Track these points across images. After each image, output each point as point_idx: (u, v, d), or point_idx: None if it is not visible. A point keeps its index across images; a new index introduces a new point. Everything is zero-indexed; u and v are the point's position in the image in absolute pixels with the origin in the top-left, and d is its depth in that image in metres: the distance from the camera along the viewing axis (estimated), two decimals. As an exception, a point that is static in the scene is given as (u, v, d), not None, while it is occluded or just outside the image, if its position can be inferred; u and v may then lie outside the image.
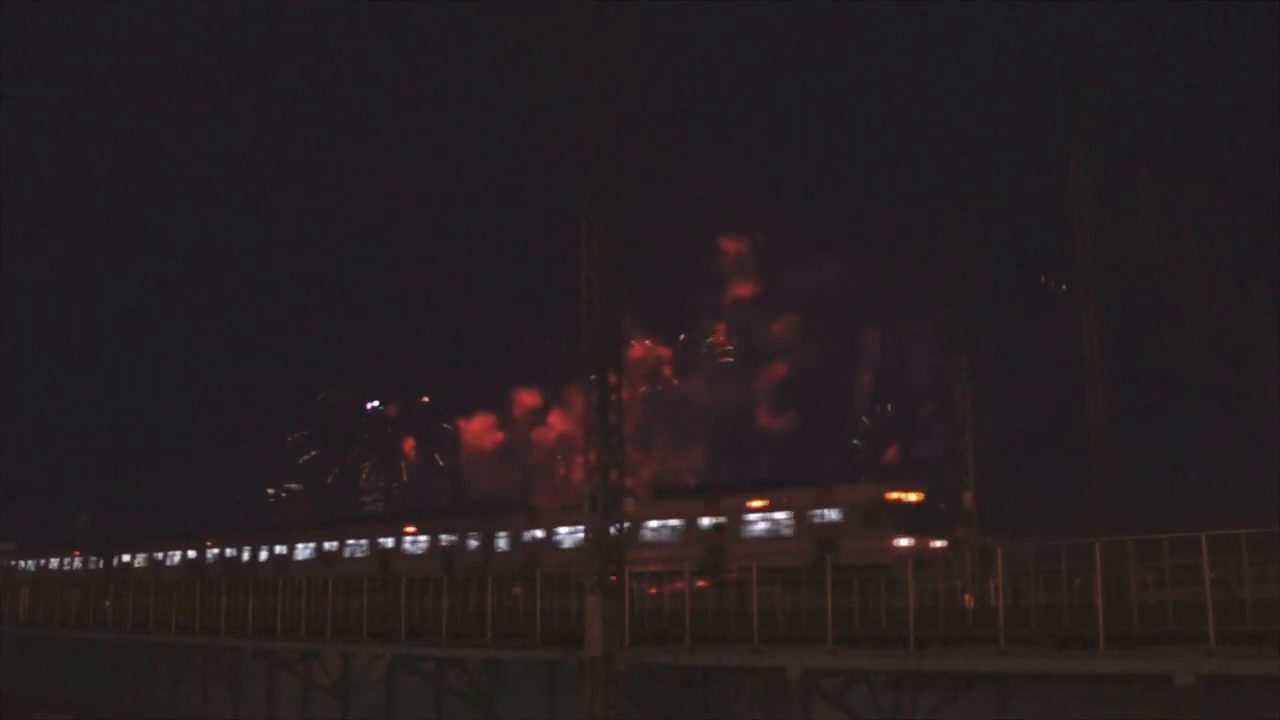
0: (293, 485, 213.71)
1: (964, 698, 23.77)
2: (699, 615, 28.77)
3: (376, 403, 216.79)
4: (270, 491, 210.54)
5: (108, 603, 47.36)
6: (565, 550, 51.04)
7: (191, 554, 78.72)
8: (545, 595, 30.10)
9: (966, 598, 33.06)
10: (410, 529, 63.34)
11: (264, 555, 72.58)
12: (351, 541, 66.75)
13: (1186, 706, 19.78)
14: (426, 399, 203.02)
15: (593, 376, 26.98)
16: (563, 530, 53.84)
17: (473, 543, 58.78)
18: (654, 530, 50.57)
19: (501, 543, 56.79)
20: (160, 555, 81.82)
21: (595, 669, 25.81)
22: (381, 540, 64.12)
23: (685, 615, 26.74)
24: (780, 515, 46.14)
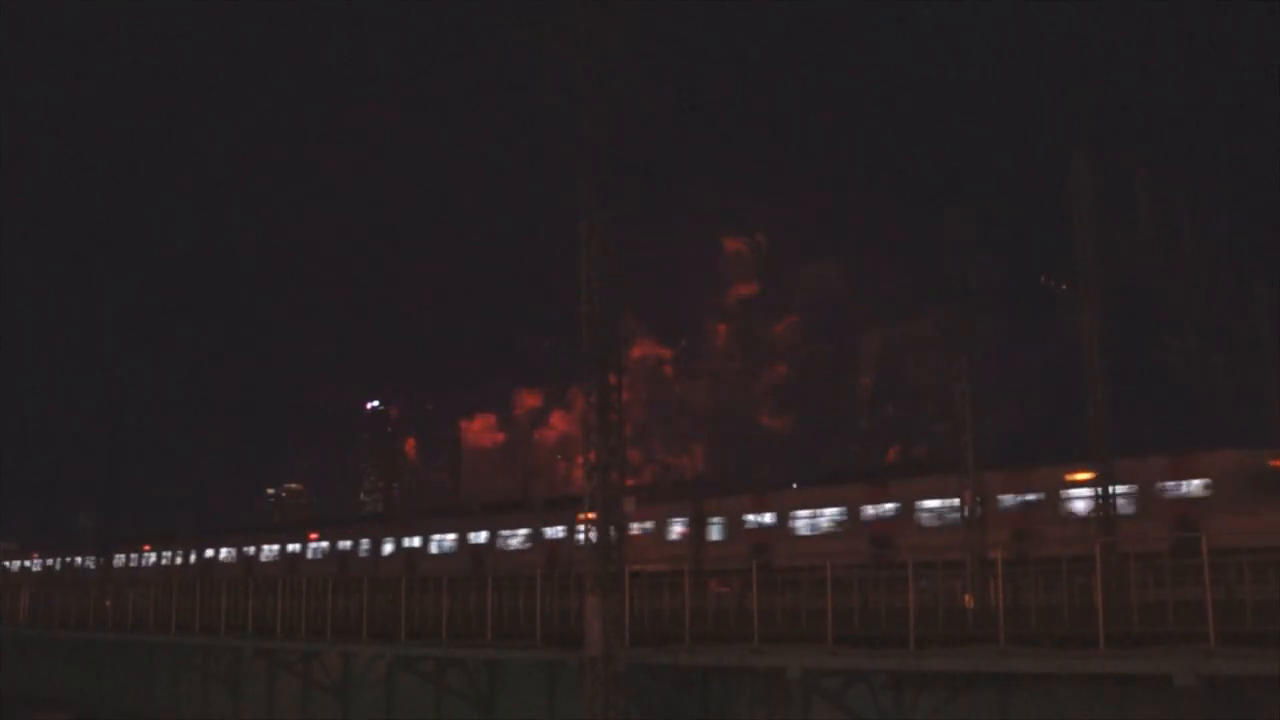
0: (292, 485, 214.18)
1: (964, 698, 23.75)
2: (698, 615, 28.74)
3: (376, 403, 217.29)
4: (270, 491, 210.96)
5: (108, 603, 47.35)
6: (804, 538, 44.95)
7: (292, 548, 71.37)
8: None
9: (967, 598, 32.98)
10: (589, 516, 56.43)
11: (388, 548, 64.32)
12: (505, 531, 58.62)
13: (1186, 706, 19.75)
14: (430, 406, 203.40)
15: (593, 377, 26.96)
16: (801, 514, 46.80)
17: (675, 530, 50.88)
18: (932, 512, 43.96)
19: (715, 530, 49.35)
20: (252, 550, 75.05)
21: (595, 669, 25.79)
22: (546, 530, 56.27)
23: (685, 615, 26.74)
24: (1117, 490, 37.14)
